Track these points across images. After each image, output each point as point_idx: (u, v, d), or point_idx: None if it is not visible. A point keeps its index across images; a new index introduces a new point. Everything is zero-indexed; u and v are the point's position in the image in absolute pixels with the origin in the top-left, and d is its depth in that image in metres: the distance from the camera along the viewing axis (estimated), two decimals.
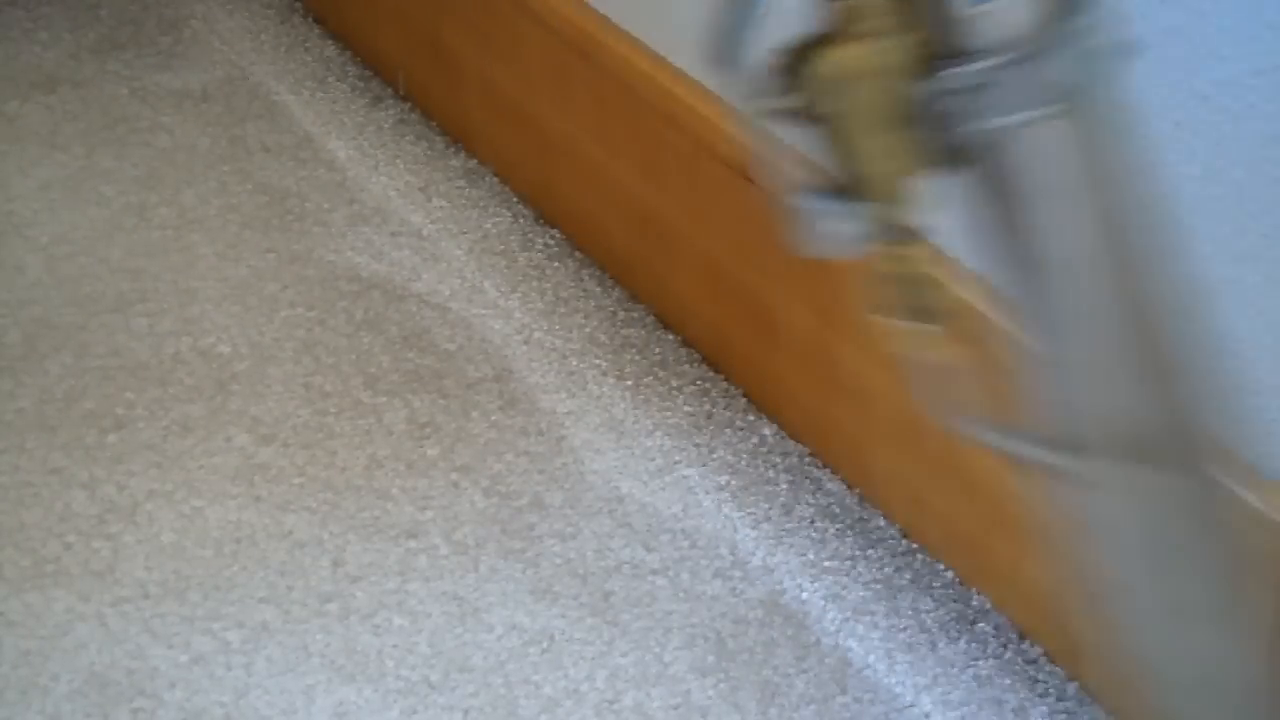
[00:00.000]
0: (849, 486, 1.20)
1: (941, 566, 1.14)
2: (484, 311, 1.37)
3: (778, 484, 1.21)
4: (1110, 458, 0.76)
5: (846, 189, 0.60)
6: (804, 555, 1.15)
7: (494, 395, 1.28)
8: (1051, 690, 1.06)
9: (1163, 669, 0.84)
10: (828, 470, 1.22)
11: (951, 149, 0.60)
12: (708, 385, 1.29)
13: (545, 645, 1.08)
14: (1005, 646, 1.08)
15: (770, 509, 1.19)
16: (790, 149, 0.58)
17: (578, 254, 1.42)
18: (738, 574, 1.14)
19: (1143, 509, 0.77)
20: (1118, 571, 0.79)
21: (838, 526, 1.17)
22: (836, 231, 0.61)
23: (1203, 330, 0.76)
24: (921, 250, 0.64)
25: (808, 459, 1.23)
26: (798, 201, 0.60)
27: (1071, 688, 1.06)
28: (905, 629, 1.10)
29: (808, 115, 0.58)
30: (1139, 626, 0.82)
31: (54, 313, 1.36)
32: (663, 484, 1.21)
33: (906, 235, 0.63)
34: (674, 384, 1.29)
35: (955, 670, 1.07)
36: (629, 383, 1.29)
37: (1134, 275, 0.70)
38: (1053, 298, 0.70)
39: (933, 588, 1.13)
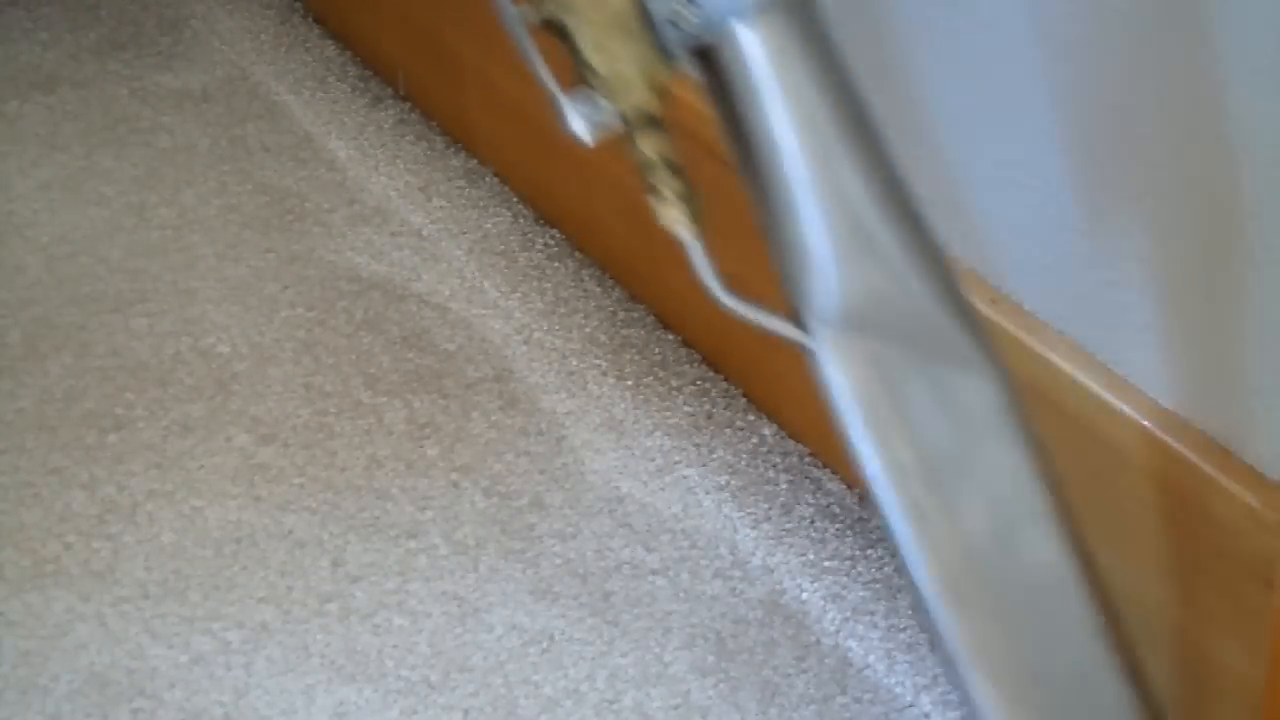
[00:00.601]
0: (849, 486, 1.20)
1: None
2: (484, 311, 1.37)
3: (778, 484, 1.21)
4: (840, 331, 0.87)
5: (595, 86, 0.74)
6: (804, 555, 1.15)
7: (494, 395, 1.28)
8: None
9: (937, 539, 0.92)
10: (828, 470, 1.22)
11: (677, 51, 0.73)
12: (708, 385, 1.29)
13: (545, 645, 1.08)
14: None
15: (770, 509, 1.19)
16: (547, 54, 0.73)
17: (578, 254, 1.42)
18: (738, 574, 1.14)
19: (876, 378, 0.88)
20: (874, 444, 0.90)
21: (838, 526, 1.17)
22: (588, 122, 0.75)
23: (918, 215, 0.84)
24: (663, 138, 0.77)
25: (808, 459, 1.23)
26: (556, 97, 0.74)
27: None
28: (905, 629, 1.10)
29: (555, 26, 0.73)
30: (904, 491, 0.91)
31: (54, 313, 1.36)
32: (663, 484, 1.21)
33: (649, 124, 0.76)
34: (674, 384, 1.29)
35: None
36: (629, 383, 1.29)
37: (841, 165, 0.81)
38: (772, 187, 0.81)
39: None
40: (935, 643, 0.93)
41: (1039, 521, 0.93)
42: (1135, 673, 0.95)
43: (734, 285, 0.82)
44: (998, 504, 0.93)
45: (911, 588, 0.92)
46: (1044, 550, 0.93)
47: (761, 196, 0.82)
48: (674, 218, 0.83)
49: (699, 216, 0.82)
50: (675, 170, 0.80)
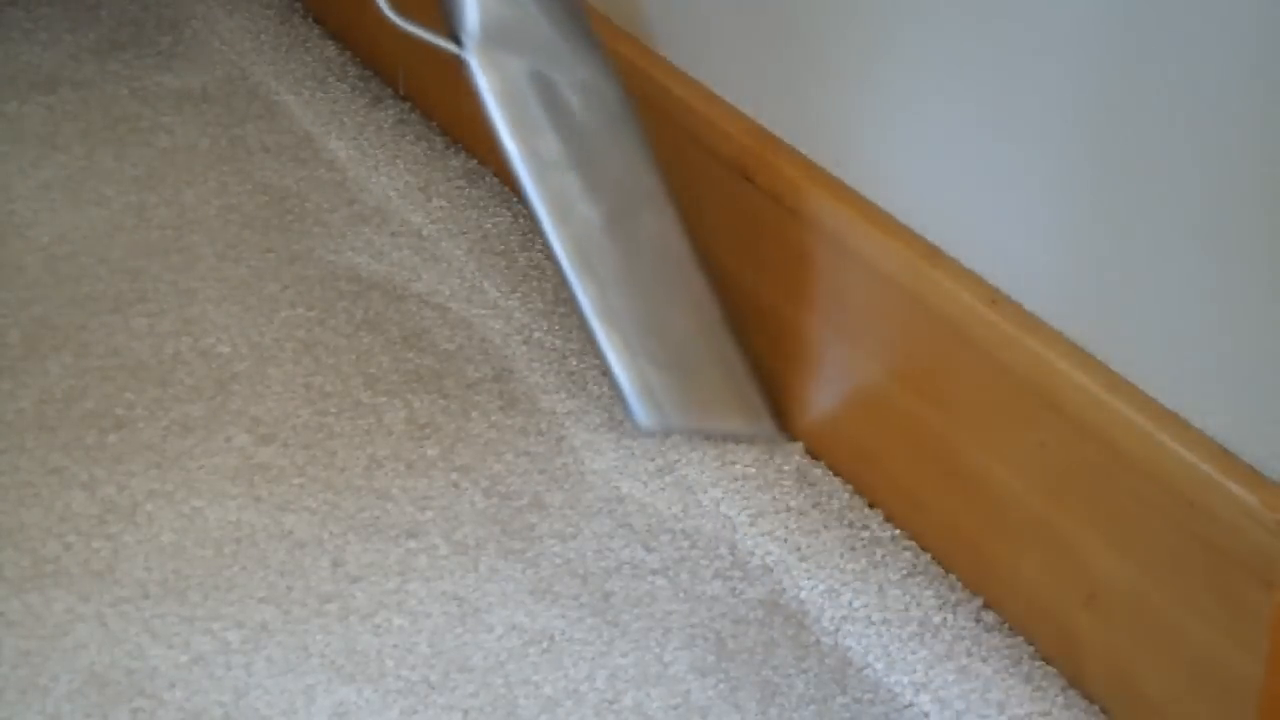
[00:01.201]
0: (849, 486, 1.20)
1: (941, 566, 1.14)
2: (484, 311, 1.37)
3: (778, 484, 1.21)
4: (484, 44, 1.13)
5: None
6: (804, 555, 1.15)
7: (494, 395, 1.28)
8: (1051, 692, 1.06)
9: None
10: (828, 470, 1.22)
11: None
12: None
13: (545, 645, 1.08)
14: (1005, 647, 1.08)
15: (770, 509, 1.19)
16: None
17: None
18: (738, 574, 1.14)
19: (515, 83, 1.17)
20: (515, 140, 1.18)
21: (837, 526, 1.17)
22: None
23: None
24: None
25: (807, 459, 1.23)
26: None
27: (1070, 690, 1.06)
28: (905, 628, 1.10)
29: None
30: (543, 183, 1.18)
31: (54, 313, 1.36)
32: (663, 484, 1.21)
33: None
34: None
35: (955, 670, 1.07)
36: None
37: None
38: None
39: (933, 587, 1.13)
40: (574, 304, 1.20)
41: (653, 204, 1.21)
42: (736, 333, 1.23)
43: (402, 10, 1.11)
44: (619, 189, 1.20)
45: (553, 259, 1.19)
46: (658, 229, 1.21)
47: None
48: None
49: None
50: None
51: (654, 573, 1.14)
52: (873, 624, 1.10)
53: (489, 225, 1.46)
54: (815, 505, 1.19)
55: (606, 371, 1.22)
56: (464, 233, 1.45)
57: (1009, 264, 1.06)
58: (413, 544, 1.16)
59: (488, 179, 1.51)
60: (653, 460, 1.23)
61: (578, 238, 1.19)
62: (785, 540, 1.16)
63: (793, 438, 1.23)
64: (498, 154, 1.45)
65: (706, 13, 1.27)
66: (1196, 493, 0.94)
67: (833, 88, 1.17)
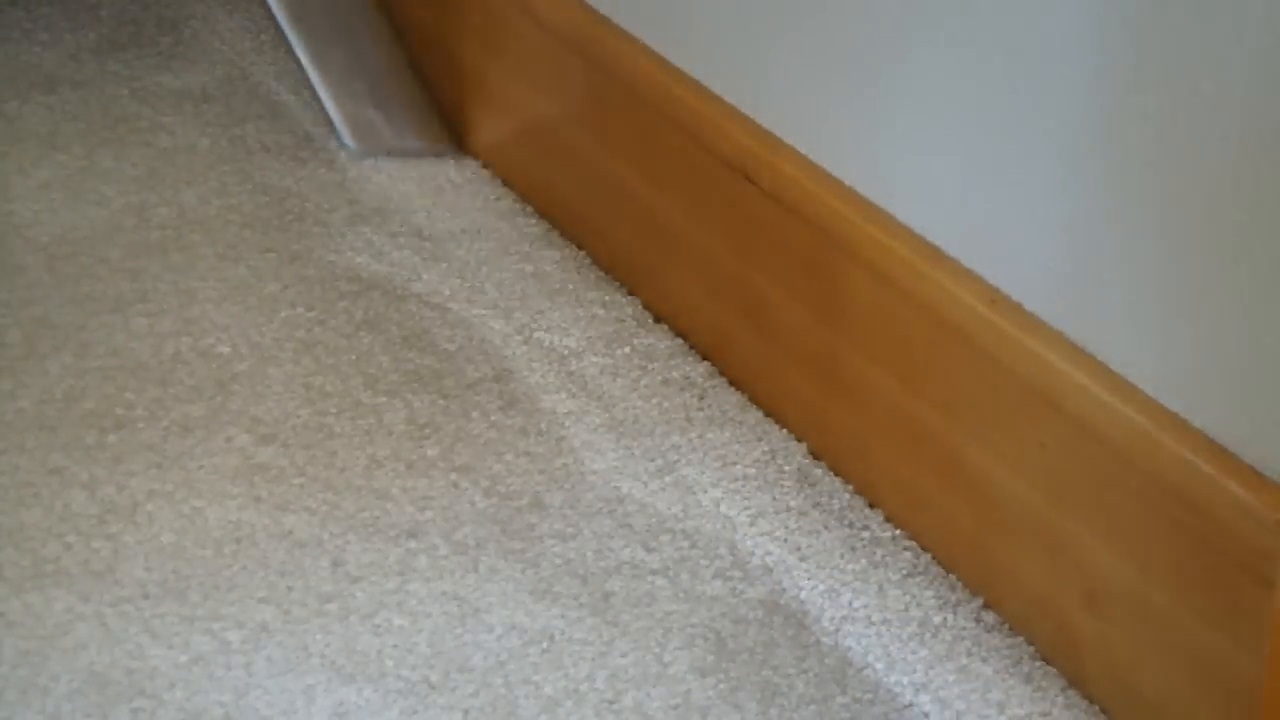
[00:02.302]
0: (849, 486, 1.20)
1: (941, 566, 1.14)
2: (484, 311, 1.37)
3: (778, 484, 1.21)
4: None
5: None
6: (804, 555, 1.15)
7: (494, 395, 1.28)
8: (1051, 692, 1.06)
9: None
10: (828, 470, 1.22)
11: None
12: (709, 385, 1.29)
13: (545, 645, 1.08)
14: (1005, 647, 1.08)
15: (770, 509, 1.19)
16: None
17: (578, 253, 1.42)
18: (738, 574, 1.14)
19: None
20: None
21: (838, 526, 1.17)
22: None
23: None
24: None
25: (808, 459, 1.23)
26: None
27: (1070, 690, 1.06)
28: (905, 628, 1.10)
29: None
30: None
31: (54, 313, 1.36)
32: (663, 484, 1.21)
33: None
34: (674, 384, 1.29)
35: (955, 670, 1.07)
36: (629, 383, 1.29)
37: None
38: None
39: (933, 587, 1.13)
40: (294, 56, 1.55)
41: None
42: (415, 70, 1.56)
43: None
44: None
45: (275, 23, 1.56)
46: None
47: None
48: None
49: None
50: None
51: (654, 573, 1.14)
52: (873, 624, 1.10)
53: (489, 224, 1.46)
54: (815, 505, 1.19)
55: (322, 108, 1.55)
56: (464, 232, 1.45)
57: (1009, 264, 1.06)
58: (413, 544, 1.16)
59: (488, 178, 1.51)
60: (653, 460, 1.23)
61: (293, 2, 1.56)
62: (785, 540, 1.16)
63: (470, 153, 1.52)
64: (499, 153, 1.45)
65: (707, 12, 1.27)
66: (1196, 493, 0.94)
67: (833, 88, 1.17)
